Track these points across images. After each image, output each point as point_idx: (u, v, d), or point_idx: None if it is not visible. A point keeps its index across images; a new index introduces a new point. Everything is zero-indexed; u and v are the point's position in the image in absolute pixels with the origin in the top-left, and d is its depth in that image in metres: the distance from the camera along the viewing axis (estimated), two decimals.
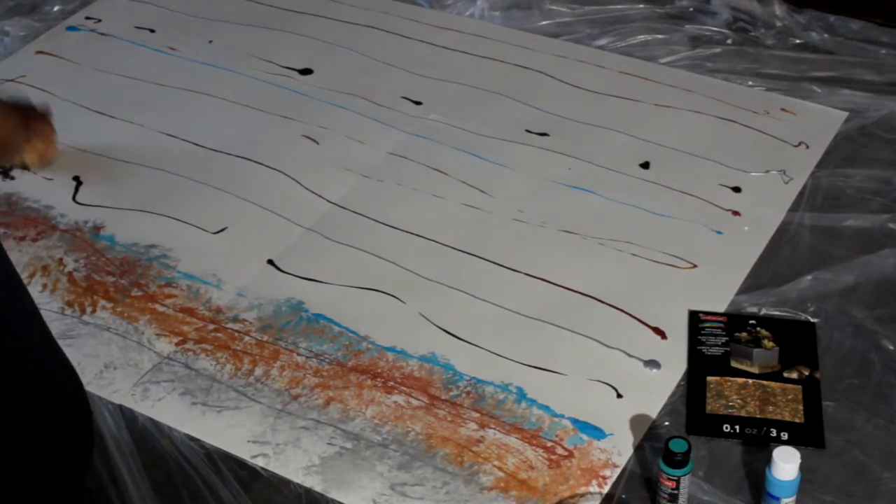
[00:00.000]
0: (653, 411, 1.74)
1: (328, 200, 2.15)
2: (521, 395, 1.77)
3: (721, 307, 1.90)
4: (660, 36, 2.55)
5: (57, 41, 2.63)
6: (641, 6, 2.63)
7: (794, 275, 1.94)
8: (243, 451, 1.71)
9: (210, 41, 2.61)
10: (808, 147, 2.23)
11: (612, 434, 1.71)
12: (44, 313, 1.88)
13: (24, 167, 2.19)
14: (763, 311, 1.88)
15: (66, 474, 1.55)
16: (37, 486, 1.51)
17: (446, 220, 2.10)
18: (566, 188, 2.16)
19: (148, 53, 2.59)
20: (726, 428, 1.70)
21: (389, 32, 2.62)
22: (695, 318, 1.87)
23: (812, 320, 1.86)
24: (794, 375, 1.77)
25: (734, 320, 1.86)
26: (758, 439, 1.68)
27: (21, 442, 1.47)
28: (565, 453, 1.68)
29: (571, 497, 1.62)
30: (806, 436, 1.68)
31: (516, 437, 1.71)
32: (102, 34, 2.66)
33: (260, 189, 2.18)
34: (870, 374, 1.78)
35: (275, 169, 2.23)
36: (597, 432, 1.71)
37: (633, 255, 2.01)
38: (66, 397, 1.53)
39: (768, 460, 1.53)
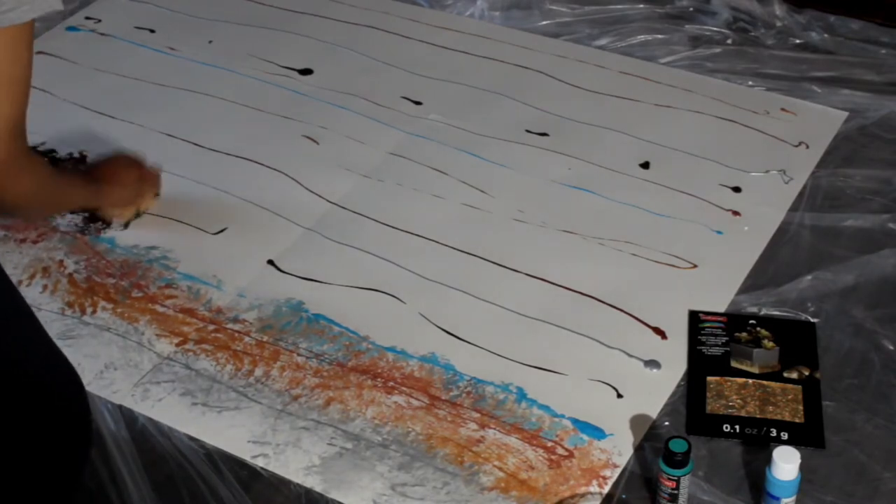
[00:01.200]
0: (653, 411, 1.74)
1: (328, 200, 2.15)
2: (522, 395, 1.77)
3: (721, 307, 1.90)
4: (660, 36, 2.55)
5: (57, 41, 2.63)
6: (641, 6, 2.63)
7: (794, 275, 1.94)
8: (243, 452, 1.71)
9: (210, 41, 2.61)
10: (808, 147, 2.23)
11: (612, 434, 1.71)
12: (44, 314, 1.91)
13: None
14: (763, 311, 1.88)
15: (65, 474, 1.55)
16: (36, 486, 1.51)
17: (446, 220, 2.10)
18: (566, 188, 2.16)
19: (148, 53, 2.59)
20: (726, 428, 1.70)
21: (389, 32, 2.62)
22: (695, 318, 1.87)
23: (812, 320, 1.86)
24: (794, 375, 1.77)
25: (734, 320, 1.86)
26: (758, 439, 1.68)
27: (21, 442, 1.47)
28: (565, 453, 1.68)
29: (572, 497, 1.62)
30: (806, 436, 1.68)
31: (516, 437, 1.71)
32: (102, 34, 2.66)
33: (260, 189, 2.18)
34: (870, 374, 1.78)
35: (275, 169, 2.23)
36: (597, 432, 1.71)
37: (633, 255, 2.01)
38: (66, 397, 1.53)
39: (768, 460, 1.53)
